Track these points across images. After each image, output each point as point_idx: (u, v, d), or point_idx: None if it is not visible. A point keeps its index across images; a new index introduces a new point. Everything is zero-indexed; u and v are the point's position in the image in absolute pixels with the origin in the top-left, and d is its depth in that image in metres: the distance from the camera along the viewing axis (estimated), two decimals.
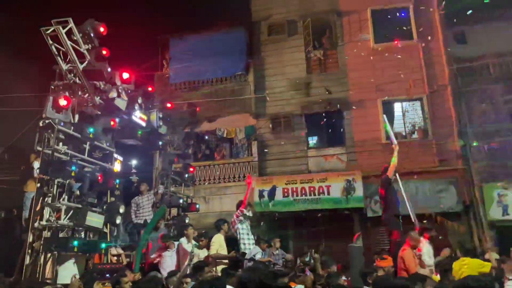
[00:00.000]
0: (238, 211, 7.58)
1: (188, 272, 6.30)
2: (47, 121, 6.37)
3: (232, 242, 7.62)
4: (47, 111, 6.34)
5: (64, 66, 6.96)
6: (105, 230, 7.53)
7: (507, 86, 12.87)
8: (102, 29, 7.15)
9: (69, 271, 6.05)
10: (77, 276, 5.42)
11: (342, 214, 12.64)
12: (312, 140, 14.50)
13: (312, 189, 12.81)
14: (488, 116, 12.79)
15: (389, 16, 13.38)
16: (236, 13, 15.30)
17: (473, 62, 13.24)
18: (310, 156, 13.78)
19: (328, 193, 12.64)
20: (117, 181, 7.46)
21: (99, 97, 7.41)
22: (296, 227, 13.24)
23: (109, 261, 7.82)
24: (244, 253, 7.12)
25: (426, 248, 6.41)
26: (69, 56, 6.91)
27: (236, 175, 14.08)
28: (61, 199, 6.51)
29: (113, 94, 7.40)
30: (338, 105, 13.66)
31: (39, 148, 6.58)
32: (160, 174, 10.19)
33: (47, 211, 6.43)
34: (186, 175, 10.41)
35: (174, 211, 10.41)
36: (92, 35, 7.07)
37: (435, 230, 7.20)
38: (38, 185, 6.58)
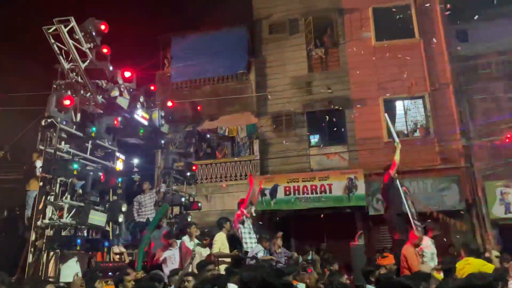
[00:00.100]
0: (239, 211, 7.57)
1: (189, 270, 6.31)
2: (49, 120, 6.38)
3: (234, 240, 7.62)
4: (50, 110, 6.35)
5: (66, 65, 6.95)
6: (107, 228, 7.54)
7: (509, 83, 12.82)
8: (103, 27, 7.14)
9: (71, 269, 6.05)
10: (79, 275, 5.43)
11: (344, 212, 12.63)
12: (314, 139, 14.48)
13: (314, 187, 12.81)
14: (490, 113, 12.76)
15: (390, 14, 13.36)
16: (238, 11, 15.30)
17: (475, 59, 13.20)
18: (311, 155, 13.78)
19: (330, 192, 12.64)
20: (119, 179, 7.47)
21: (101, 96, 7.41)
22: (298, 226, 13.24)
23: (112, 260, 7.83)
24: (247, 252, 7.13)
25: (430, 248, 6.36)
26: (71, 55, 6.90)
27: (238, 173, 14.09)
28: (64, 198, 6.52)
29: (115, 92, 7.40)
30: (340, 104, 13.65)
31: (41, 147, 6.58)
32: (162, 172, 10.21)
33: (49, 210, 6.44)
34: (188, 174, 10.41)
35: (176, 210, 10.43)
36: (94, 34, 7.07)
37: (438, 228, 7.16)
38: (41, 183, 6.59)
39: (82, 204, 6.62)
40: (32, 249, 6.28)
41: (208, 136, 15.51)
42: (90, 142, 7.01)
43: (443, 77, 13.22)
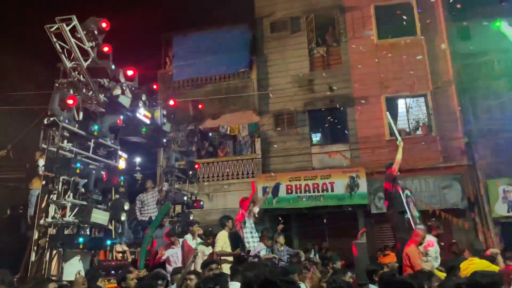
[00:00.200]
0: (240, 212, 7.53)
1: (192, 268, 6.31)
2: (51, 119, 6.38)
3: (237, 239, 7.63)
4: (53, 108, 6.35)
5: (68, 64, 6.95)
6: (110, 227, 7.55)
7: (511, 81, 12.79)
8: (104, 25, 7.12)
9: (74, 268, 6.05)
10: (81, 273, 5.43)
11: (346, 211, 12.64)
12: (316, 137, 14.49)
13: (315, 186, 12.81)
14: (492, 111, 12.73)
15: (392, 12, 13.32)
16: (239, 10, 15.28)
17: (477, 57, 13.16)
18: (313, 153, 13.77)
19: (332, 190, 12.63)
20: (122, 178, 7.47)
21: (103, 95, 7.41)
22: (300, 224, 13.25)
23: (114, 258, 7.85)
24: (249, 251, 7.12)
25: (434, 246, 6.33)
26: (73, 54, 6.90)
27: (240, 172, 14.10)
28: (67, 196, 6.53)
29: (117, 91, 7.39)
30: (342, 102, 13.64)
31: (44, 146, 6.58)
32: (165, 171, 10.20)
33: (52, 208, 6.44)
34: (191, 172, 10.41)
35: (178, 208, 10.45)
36: (95, 32, 7.06)
37: (442, 228, 7.13)
38: (43, 182, 6.59)
39: (84, 202, 6.63)
40: (35, 248, 6.29)
41: (210, 134, 15.52)
42: (92, 140, 7.01)
43: (445, 75, 13.19)
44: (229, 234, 7.49)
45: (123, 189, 8.04)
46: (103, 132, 7.15)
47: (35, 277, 5.95)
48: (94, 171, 6.82)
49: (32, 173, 7.95)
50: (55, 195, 6.46)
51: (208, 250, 7.40)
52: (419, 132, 13.25)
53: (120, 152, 7.68)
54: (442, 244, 7.32)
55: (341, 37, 14.34)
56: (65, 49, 6.91)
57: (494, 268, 5.14)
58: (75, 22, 6.80)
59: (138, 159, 11.15)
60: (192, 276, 5.08)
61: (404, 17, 12.69)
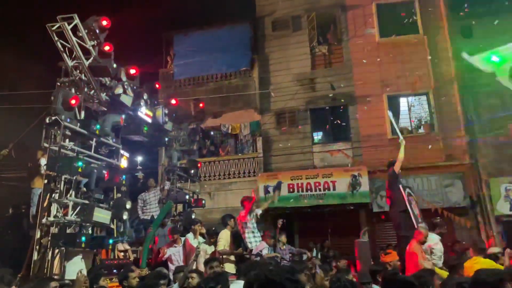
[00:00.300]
0: (242, 213, 7.48)
1: (194, 267, 6.31)
2: (53, 118, 6.37)
3: (239, 238, 7.61)
4: (55, 107, 6.35)
5: (70, 63, 6.94)
6: (112, 226, 7.54)
7: None
8: (105, 22, 7.09)
9: (76, 266, 6.05)
10: (83, 272, 5.43)
11: (348, 209, 12.63)
12: (317, 136, 14.47)
13: (317, 184, 12.80)
14: (495, 110, 12.69)
15: (394, 10, 13.30)
16: (241, 8, 15.25)
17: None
18: (315, 152, 13.76)
19: (334, 189, 12.62)
20: (124, 177, 7.46)
21: (104, 94, 7.40)
22: (302, 223, 13.24)
23: (116, 257, 7.85)
24: (251, 250, 7.11)
25: (438, 245, 6.30)
26: (74, 53, 6.89)
27: (241, 171, 14.10)
28: (68, 195, 6.53)
29: (119, 90, 7.38)
30: (343, 100, 13.62)
31: (45, 145, 6.58)
32: (166, 170, 10.20)
33: (54, 207, 6.44)
34: (192, 171, 10.40)
35: (180, 207, 10.44)
36: (97, 31, 7.04)
37: (445, 227, 7.11)
38: (45, 181, 6.59)
39: (86, 201, 6.63)
40: (37, 247, 6.29)
41: (212, 133, 15.51)
42: (94, 139, 7.00)
43: (447, 73, 13.15)
44: (231, 233, 7.47)
45: (125, 188, 8.03)
46: (105, 131, 7.14)
47: (37, 276, 5.95)
48: (95, 170, 6.82)
49: (34, 172, 7.95)
50: (57, 194, 6.46)
51: (211, 249, 7.39)
52: (421, 130, 13.23)
53: (122, 151, 7.67)
54: (449, 244, 7.31)
55: (343, 36, 14.31)
56: (66, 48, 6.90)
57: (498, 267, 5.13)
58: (77, 21, 6.79)
59: (139, 158, 11.15)
60: (194, 275, 5.07)
61: (406, 15, 12.67)
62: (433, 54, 13.16)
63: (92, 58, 7.05)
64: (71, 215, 6.43)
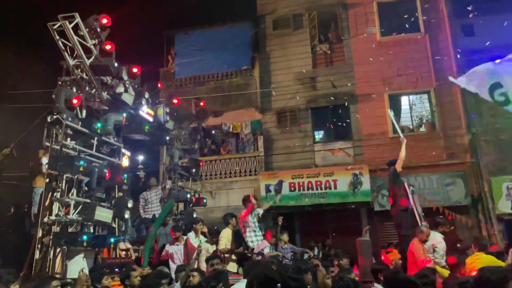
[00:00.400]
0: (244, 212, 7.49)
1: (195, 266, 6.31)
2: (55, 117, 6.38)
3: (241, 236, 7.62)
4: (57, 106, 6.35)
5: (71, 62, 6.94)
6: (113, 225, 7.55)
7: None
8: (105, 20, 7.08)
9: (78, 265, 6.06)
10: (85, 270, 5.43)
11: (349, 208, 12.62)
12: (319, 134, 14.45)
13: (318, 183, 12.79)
14: (496, 108, 12.64)
15: (395, 9, 13.27)
16: (241, 7, 15.23)
17: (481, 54, 13.06)
18: (316, 150, 13.75)
19: (335, 187, 12.62)
20: (125, 176, 7.46)
21: (106, 92, 7.40)
22: (303, 222, 13.24)
23: (118, 256, 7.86)
24: (253, 249, 7.11)
25: (442, 243, 6.29)
26: (76, 51, 6.90)
27: (242, 170, 14.09)
28: (70, 194, 6.53)
29: (120, 89, 7.39)
30: (345, 99, 13.60)
31: (47, 144, 6.58)
32: (168, 169, 10.20)
33: (56, 206, 6.45)
34: (194, 170, 10.41)
35: (181, 206, 10.44)
36: (98, 30, 7.04)
37: (448, 226, 7.09)
38: (47, 180, 6.60)
39: (88, 200, 6.64)
40: (39, 246, 6.30)
41: (213, 132, 15.51)
42: (95, 138, 7.01)
43: (449, 72, 13.09)
44: (232, 232, 7.48)
45: (127, 186, 8.03)
46: (106, 130, 7.15)
47: (39, 275, 5.96)
48: (97, 169, 6.82)
49: (35, 171, 7.95)
50: (59, 193, 6.46)
51: (212, 248, 7.40)
52: (422, 129, 13.20)
53: (123, 150, 7.68)
54: (451, 243, 7.28)
55: (344, 34, 14.28)
56: (67, 47, 6.91)
57: (500, 263, 5.12)
58: (78, 19, 6.79)
59: (141, 157, 11.15)
60: (195, 273, 5.08)
61: (407, 13, 12.64)
62: (434, 52, 13.12)
63: (93, 57, 7.05)
64: (73, 214, 6.44)
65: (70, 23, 6.72)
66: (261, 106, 14.49)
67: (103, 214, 6.59)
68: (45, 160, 7.28)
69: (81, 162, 6.34)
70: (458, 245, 9.08)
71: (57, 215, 6.38)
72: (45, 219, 6.36)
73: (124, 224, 8.35)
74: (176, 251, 7.43)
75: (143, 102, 8.03)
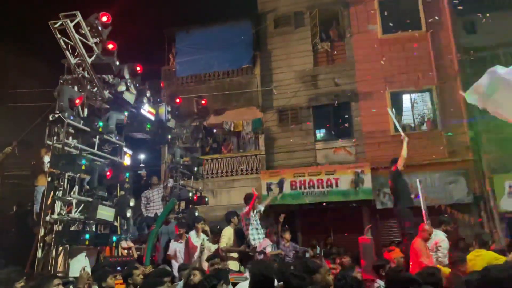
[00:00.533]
0: (242, 215, 7.46)
1: (197, 265, 6.31)
2: (57, 115, 6.38)
3: (242, 235, 7.61)
4: (60, 105, 6.36)
5: (73, 60, 6.95)
6: (115, 223, 7.56)
7: None
8: (105, 18, 7.08)
9: (80, 264, 6.06)
10: (86, 269, 5.44)
11: (351, 206, 12.60)
12: (320, 133, 14.42)
13: (320, 181, 12.78)
14: None
15: (397, 6, 13.23)
16: (243, 5, 15.22)
17: (483, 51, 13.03)
18: (318, 149, 13.73)
19: (337, 186, 12.60)
20: (127, 174, 7.47)
21: (107, 91, 7.40)
22: (305, 220, 13.23)
23: (120, 254, 7.86)
24: (255, 248, 7.10)
25: (445, 242, 6.27)
26: (77, 50, 6.90)
27: (244, 168, 14.09)
28: (72, 193, 6.54)
29: (122, 87, 7.39)
30: (346, 97, 13.57)
31: (49, 142, 6.59)
32: (169, 167, 10.20)
33: (58, 205, 6.46)
34: (195, 169, 10.40)
35: (182, 204, 10.44)
36: (99, 28, 7.04)
37: (452, 225, 7.06)
38: (49, 179, 6.61)
39: (90, 199, 6.64)
40: (41, 244, 6.32)
41: (215, 130, 15.51)
42: (97, 137, 7.01)
43: (450, 70, 13.07)
44: (234, 230, 7.47)
45: (128, 185, 8.03)
46: (108, 129, 7.15)
47: (41, 273, 5.97)
48: (99, 168, 6.82)
49: (37, 170, 7.97)
50: (61, 192, 6.47)
51: (214, 247, 7.39)
52: (424, 127, 13.16)
53: (125, 149, 7.68)
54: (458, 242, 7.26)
55: (345, 32, 14.25)
56: (69, 46, 6.91)
57: (502, 259, 5.08)
58: (79, 18, 6.79)
59: (142, 156, 11.15)
60: (196, 272, 5.08)
61: (409, 11, 12.59)
62: (436, 50, 13.08)
63: (95, 56, 7.05)
64: (75, 212, 6.45)
65: (71, 21, 6.72)
66: (262, 105, 14.48)
67: (105, 212, 6.59)
68: (47, 158, 7.30)
69: (83, 161, 6.34)
70: (461, 245, 9.08)
71: (59, 213, 6.39)
72: (47, 218, 6.37)
73: (126, 222, 8.34)
74: (179, 248, 7.44)
75: (145, 100, 8.04)
